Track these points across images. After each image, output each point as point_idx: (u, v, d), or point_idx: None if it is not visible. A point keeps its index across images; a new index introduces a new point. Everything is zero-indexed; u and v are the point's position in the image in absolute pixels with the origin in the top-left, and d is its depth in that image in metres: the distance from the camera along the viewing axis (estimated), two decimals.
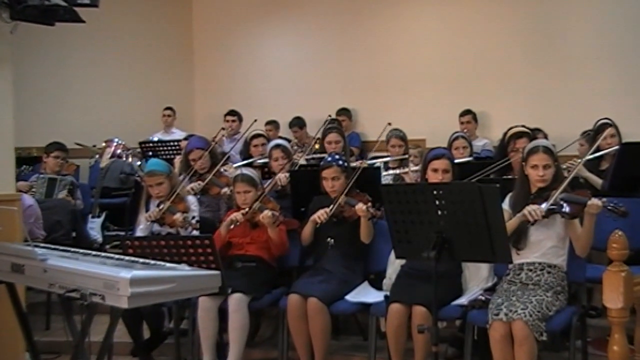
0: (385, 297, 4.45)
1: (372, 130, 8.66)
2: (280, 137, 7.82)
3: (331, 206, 4.79)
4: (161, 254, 4.37)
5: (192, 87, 10.32)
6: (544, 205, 4.06)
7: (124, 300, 2.84)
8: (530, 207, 4.05)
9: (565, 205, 4.04)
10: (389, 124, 6.18)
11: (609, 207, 3.92)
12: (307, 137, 8.62)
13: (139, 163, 7.58)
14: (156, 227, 5.21)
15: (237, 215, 4.97)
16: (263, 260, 5.02)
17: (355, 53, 9.08)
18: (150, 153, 7.23)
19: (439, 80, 8.46)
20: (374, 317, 4.57)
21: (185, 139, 6.94)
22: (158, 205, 5.18)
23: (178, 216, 5.05)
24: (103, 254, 3.52)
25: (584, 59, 7.57)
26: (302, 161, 6.23)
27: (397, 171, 5.98)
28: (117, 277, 2.85)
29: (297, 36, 9.61)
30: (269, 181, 5.62)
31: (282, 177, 5.54)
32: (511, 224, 4.08)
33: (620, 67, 7.36)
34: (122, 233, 6.86)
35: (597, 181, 5.30)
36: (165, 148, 7.33)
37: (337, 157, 5.02)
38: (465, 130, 7.31)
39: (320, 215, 4.81)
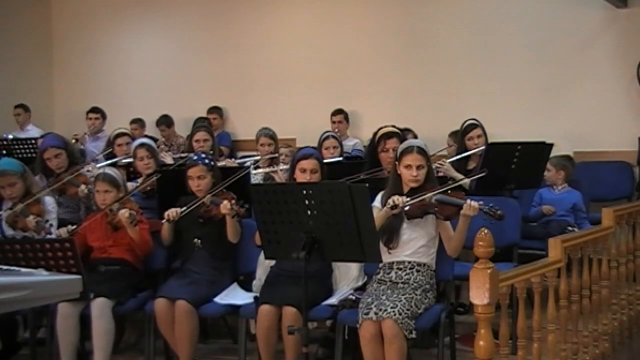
0: (255, 298, 4.41)
1: (243, 129, 8.58)
2: (147, 136, 7.59)
3: (184, 207, 4.66)
4: (16, 259, 4.10)
5: (50, 85, 9.83)
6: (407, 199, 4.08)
7: None
8: (394, 197, 4.06)
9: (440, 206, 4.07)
10: None
11: (485, 210, 3.91)
12: (175, 136, 8.44)
13: None
14: (10, 232, 4.96)
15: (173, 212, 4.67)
16: (127, 263, 4.85)
17: (226, 51, 8.93)
18: (4, 152, 6.83)
19: (310, 80, 8.44)
20: (244, 319, 4.50)
21: (43, 137, 6.62)
22: (11, 208, 4.93)
23: (30, 220, 4.83)
24: None
25: (453, 61, 7.75)
26: (170, 160, 6.08)
27: (267, 169, 5.91)
28: None
29: (164, 33, 9.34)
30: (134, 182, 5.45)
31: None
32: (378, 217, 4.03)
33: (487, 69, 7.58)
34: None
35: (465, 181, 5.41)
36: (20, 147, 6.94)
37: (202, 155, 4.93)
38: (336, 130, 7.34)
39: (171, 213, 4.68)
